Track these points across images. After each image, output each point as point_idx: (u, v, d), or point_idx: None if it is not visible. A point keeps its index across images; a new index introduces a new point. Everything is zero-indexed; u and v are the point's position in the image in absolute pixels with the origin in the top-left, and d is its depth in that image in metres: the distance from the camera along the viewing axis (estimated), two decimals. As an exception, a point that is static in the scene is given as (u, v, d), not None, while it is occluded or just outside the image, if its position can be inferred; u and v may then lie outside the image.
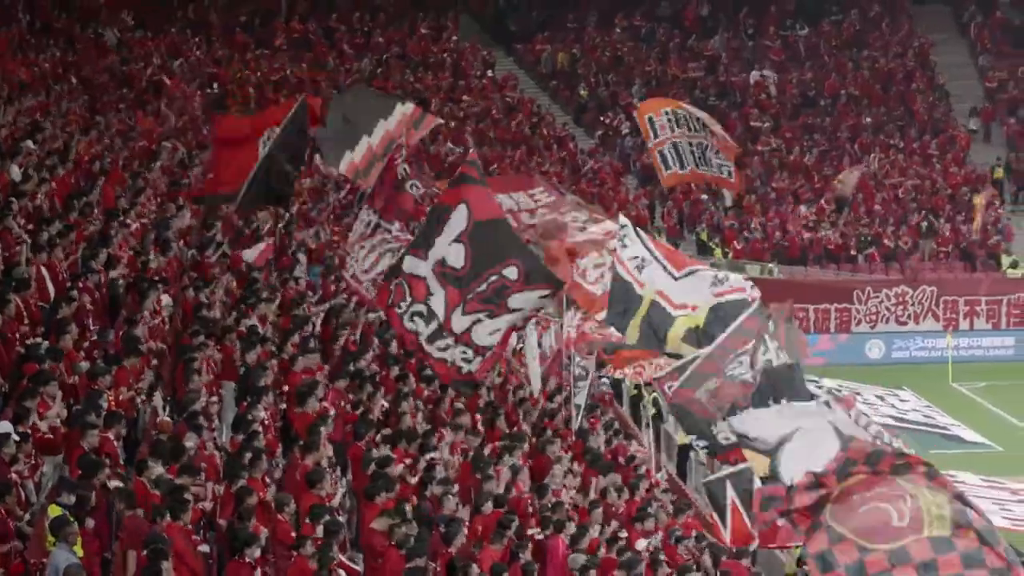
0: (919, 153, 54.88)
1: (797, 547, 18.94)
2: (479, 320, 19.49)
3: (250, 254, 25.21)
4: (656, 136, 36.98)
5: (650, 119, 37.13)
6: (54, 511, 13.28)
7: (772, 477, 15.13)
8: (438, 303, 19.43)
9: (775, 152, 54.21)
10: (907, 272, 49.27)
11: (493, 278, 19.41)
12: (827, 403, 16.73)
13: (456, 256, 19.31)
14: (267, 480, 16.46)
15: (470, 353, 19.41)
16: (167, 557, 13.31)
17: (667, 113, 36.83)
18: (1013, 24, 60.94)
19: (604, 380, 31.77)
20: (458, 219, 19.45)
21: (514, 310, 19.40)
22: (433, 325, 19.47)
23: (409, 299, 19.48)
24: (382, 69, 53.48)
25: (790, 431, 15.47)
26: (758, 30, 60.46)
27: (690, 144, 36.42)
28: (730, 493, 18.16)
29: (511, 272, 19.36)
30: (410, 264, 19.61)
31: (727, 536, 18.19)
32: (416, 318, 19.51)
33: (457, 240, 19.38)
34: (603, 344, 24.50)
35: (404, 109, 28.74)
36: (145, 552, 13.46)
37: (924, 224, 50.97)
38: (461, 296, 19.40)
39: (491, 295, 19.48)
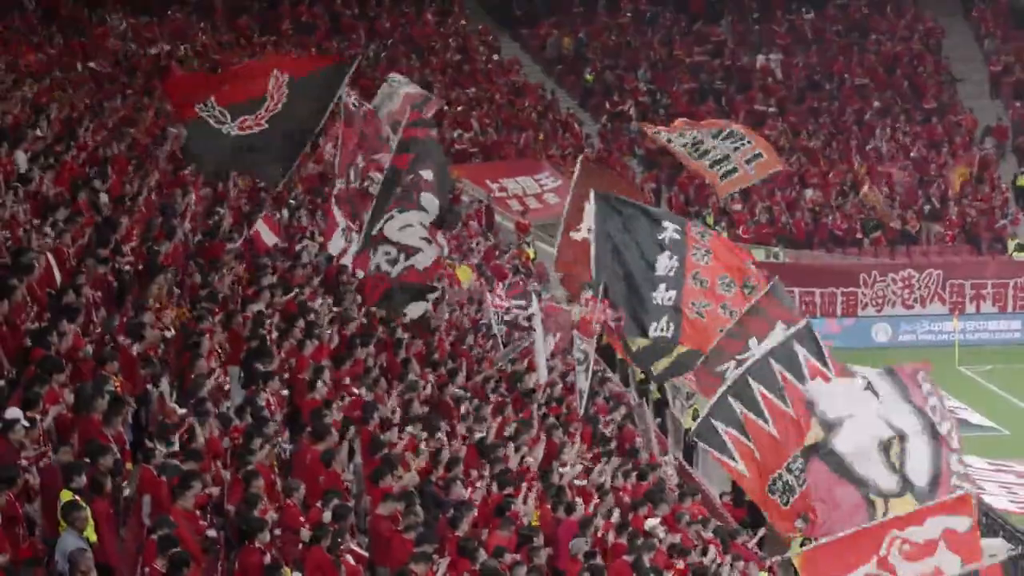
0: (925, 137, 54.74)
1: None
2: (391, 217, 22.11)
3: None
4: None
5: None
6: (65, 496, 13.28)
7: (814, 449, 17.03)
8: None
9: (781, 136, 54.07)
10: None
11: (410, 177, 22.09)
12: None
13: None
14: (274, 465, 16.46)
15: (393, 252, 21.96)
16: (176, 542, 13.32)
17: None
18: (1018, 7, 60.73)
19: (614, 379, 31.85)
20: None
21: (423, 208, 21.98)
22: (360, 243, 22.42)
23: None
24: (387, 53, 53.39)
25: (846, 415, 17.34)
26: (764, 14, 60.33)
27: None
28: (721, 427, 19.53)
29: (427, 173, 22.11)
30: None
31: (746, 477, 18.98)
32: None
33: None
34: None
35: (408, 90, 29.09)
36: (154, 537, 13.47)
37: (928, 207, 50.86)
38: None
39: (404, 195, 22.17)
